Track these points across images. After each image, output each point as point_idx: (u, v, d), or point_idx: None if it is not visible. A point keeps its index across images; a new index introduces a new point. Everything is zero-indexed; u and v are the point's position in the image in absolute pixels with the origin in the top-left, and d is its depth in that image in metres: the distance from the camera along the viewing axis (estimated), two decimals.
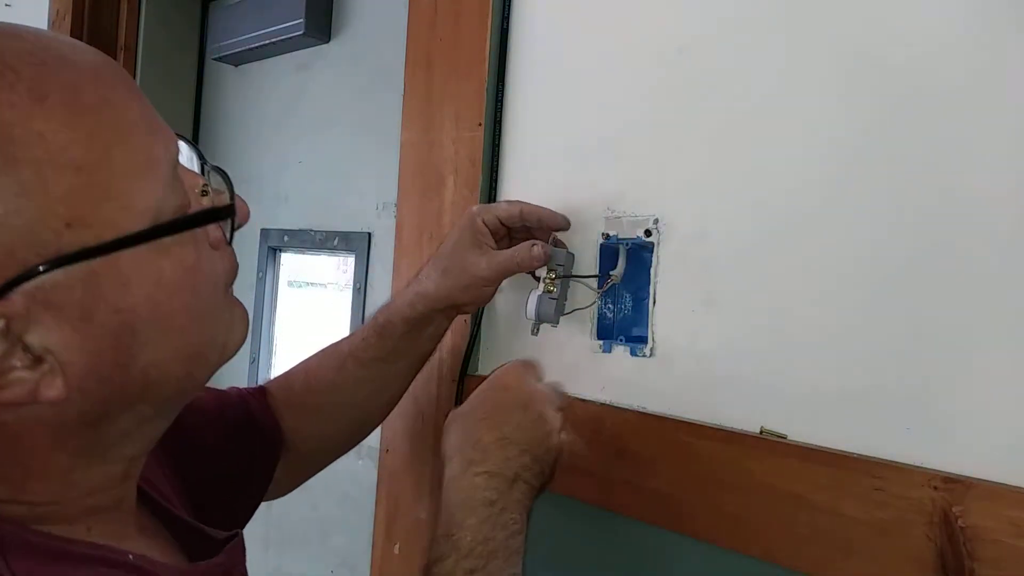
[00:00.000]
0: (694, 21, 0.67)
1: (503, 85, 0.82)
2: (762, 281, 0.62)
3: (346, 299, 1.17)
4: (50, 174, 0.37)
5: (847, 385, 0.57)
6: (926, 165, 0.54)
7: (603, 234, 0.72)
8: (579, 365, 0.74)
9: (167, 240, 0.42)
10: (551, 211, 0.71)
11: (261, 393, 0.72)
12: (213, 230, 0.46)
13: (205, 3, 1.44)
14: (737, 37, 0.64)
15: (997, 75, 0.51)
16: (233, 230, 0.47)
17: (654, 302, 0.69)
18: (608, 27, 0.74)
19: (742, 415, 0.62)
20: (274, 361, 1.32)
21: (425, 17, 0.89)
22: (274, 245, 1.31)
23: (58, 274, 0.37)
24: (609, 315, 0.73)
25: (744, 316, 0.63)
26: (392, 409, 0.77)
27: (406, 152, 0.91)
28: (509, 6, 0.82)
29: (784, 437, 0.60)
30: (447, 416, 0.60)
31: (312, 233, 1.23)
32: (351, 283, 1.16)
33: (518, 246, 0.68)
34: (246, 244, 1.32)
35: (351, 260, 1.17)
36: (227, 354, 0.49)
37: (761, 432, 0.61)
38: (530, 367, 0.63)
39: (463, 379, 0.83)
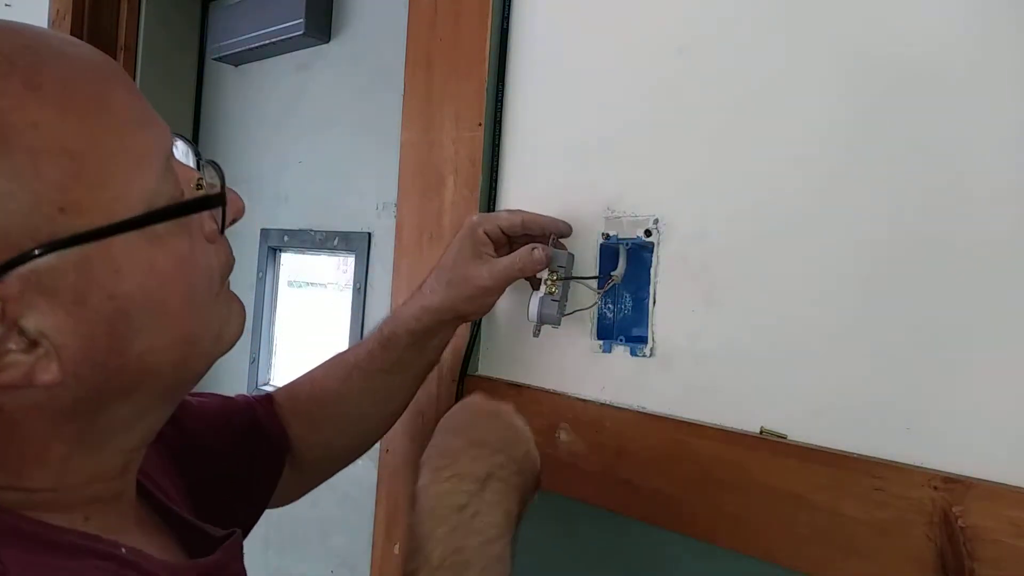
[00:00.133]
0: (694, 21, 0.67)
1: (503, 85, 0.82)
2: (762, 281, 0.62)
3: (346, 299, 1.17)
4: (43, 160, 0.38)
5: (847, 385, 0.57)
6: (926, 165, 0.54)
7: (603, 234, 0.72)
8: (579, 365, 0.74)
9: (160, 230, 0.42)
10: (552, 218, 0.72)
11: (268, 401, 0.73)
12: (208, 223, 0.47)
13: (205, 3, 1.44)
14: (737, 37, 0.64)
15: (997, 75, 0.52)
16: (224, 219, 0.47)
17: (654, 302, 0.69)
18: (608, 27, 0.74)
19: (742, 415, 0.62)
20: (274, 361, 1.32)
21: (425, 17, 0.89)
22: (274, 245, 1.31)
23: (52, 258, 0.38)
24: (609, 315, 0.73)
25: (744, 316, 0.63)
26: (397, 419, 0.77)
27: (406, 152, 0.91)
28: (509, 6, 0.82)
29: (784, 437, 0.60)
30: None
31: (312, 233, 1.23)
32: (351, 283, 1.16)
33: (518, 251, 0.68)
34: (246, 244, 1.32)
35: (351, 260, 1.17)
36: (222, 345, 0.49)
37: (761, 432, 0.61)
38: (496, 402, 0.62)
39: (463, 379, 0.83)
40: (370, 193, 1.14)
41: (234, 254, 0.52)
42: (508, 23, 0.82)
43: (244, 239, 1.32)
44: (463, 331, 0.83)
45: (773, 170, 0.62)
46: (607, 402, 0.71)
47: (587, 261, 0.73)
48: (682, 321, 0.67)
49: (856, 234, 0.57)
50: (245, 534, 0.67)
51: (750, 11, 0.64)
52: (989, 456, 0.50)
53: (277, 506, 0.72)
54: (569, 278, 0.71)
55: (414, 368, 0.73)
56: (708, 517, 0.63)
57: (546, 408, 0.75)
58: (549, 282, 0.69)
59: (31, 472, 0.43)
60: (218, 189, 0.47)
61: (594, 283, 0.72)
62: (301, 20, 1.18)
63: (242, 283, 1.32)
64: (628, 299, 0.72)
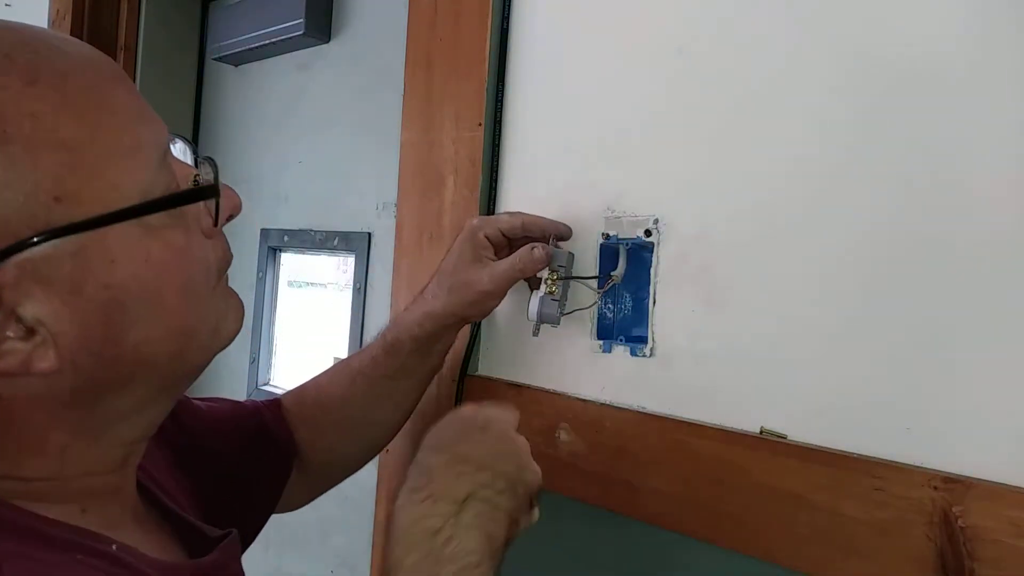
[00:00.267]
0: (694, 21, 0.67)
1: (503, 85, 0.82)
2: (762, 281, 0.62)
3: (346, 299, 1.17)
4: (40, 151, 0.39)
5: (847, 385, 0.57)
6: (927, 165, 0.54)
7: (603, 234, 0.72)
8: (579, 365, 0.74)
9: (156, 222, 0.43)
10: (552, 221, 0.72)
11: (276, 405, 0.73)
12: (205, 219, 0.47)
13: (205, 3, 1.44)
14: (737, 37, 0.64)
15: (997, 75, 0.51)
16: (218, 211, 0.48)
17: (654, 302, 0.69)
18: (608, 27, 0.74)
19: (742, 415, 0.62)
20: (274, 361, 1.32)
21: (425, 17, 0.89)
22: (274, 245, 1.31)
23: (48, 247, 0.39)
24: (609, 315, 0.73)
25: (744, 316, 0.63)
26: (403, 425, 0.77)
27: (406, 152, 0.91)
28: (509, 6, 0.82)
29: (784, 437, 0.60)
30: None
31: (312, 233, 1.23)
32: (351, 283, 1.16)
33: (518, 252, 0.68)
34: (246, 244, 1.33)
35: (351, 260, 1.17)
36: (220, 339, 0.50)
37: (761, 432, 0.61)
38: (497, 409, 0.57)
39: (463, 379, 0.83)
40: (370, 193, 1.14)
41: (235, 254, 0.52)
42: (508, 23, 0.82)
43: (244, 239, 1.32)
44: (463, 331, 0.83)
45: (773, 170, 0.62)
46: (607, 402, 0.71)
47: (587, 261, 0.73)
48: (682, 321, 0.67)
49: (856, 234, 0.57)
50: (253, 538, 0.67)
51: (750, 11, 0.64)
52: (989, 456, 0.50)
53: (285, 511, 0.73)
54: (569, 277, 0.71)
55: (418, 373, 0.73)
56: (708, 517, 0.63)
57: (546, 408, 0.75)
58: (549, 281, 0.69)
59: (29, 461, 0.43)
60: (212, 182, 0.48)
61: (594, 283, 0.72)
62: (301, 20, 1.18)
63: (242, 283, 1.32)
64: (628, 299, 0.72)
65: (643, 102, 0.70)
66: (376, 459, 0.93)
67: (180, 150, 0.48)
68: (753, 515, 0.60)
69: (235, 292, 0.52)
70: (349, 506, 1.12)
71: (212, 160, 0.48)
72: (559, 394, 0.75)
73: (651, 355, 0.69)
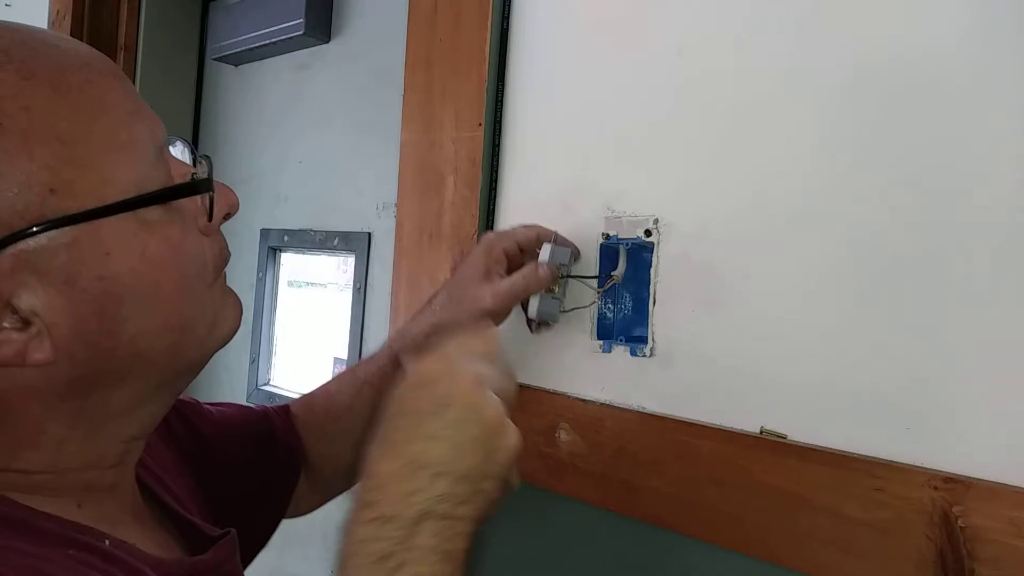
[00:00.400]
0: (694, 21, 0.67)
1: (503, 85, 0.82)
2: (762, 281, 0.62)
3: (346, 299, 1.17)
4: (35, 143, 0.39)
5: (847, 385, 0.57)
6: (927, 165, 0.54)
7: (603, 234, 0.72)
8: (579, 365, 0.74)
9: (152, 216, 0.43)
10: (563, 236, 0.72)
11: (285, 412, 0.73)
12: (202, 217, 0.47)
13: (205, 3, 1.44)
14: (737, 37, 0.64)
15: (997, 75, 0.51)
16: (212, 206, 0.48)
17: (654, 302, 0.69)
18: (608, 27, 0.74)
19: (742, 415, 0.62)
20: (274, 361, 1.32)
21: (425, 17, 0.89)
22: (274, 245, 1.31)
23: (43, 238, 0.39)
24: (609, 315, 0.73)
25: (744, 316, 0.63)
26: None
27: (406, 152, 0.91)
28: (509, 6, 0.82)
29: (784, 437, 0.60)
30: None
31: (312, 233, 1.23)
32: (351, 283, 1.16)
33: (521, 271, 0.68)
34: (246, 244, 1.32)
35: (351, 260, 1.17)
36: (217, 336, 0.50)
37: (761, 432, 0.61)
38: (469, 344, 0.49)
39: None
40: (370, 193, 1.14)
41: (234, 254, 0.52)
42: (508, 23, 0.82)
43: (244, 239, 1.32)
44: None
45: (773, 170, 0.62)
46: (607, 402, 0.71)
47: (587, 261, 0.73)
48: (682, 321, 0.67)
49: (856, 234, 0.57)
50: (265, 543, 0.67)
51: (750, 12, 0.64)
52: (989, 456, 0.50)
53: (294, 516, 0.73)
54: (570, 276, 0.71)
55: None
56: (708, 517, 0.63)
57: (546, 408, 0.75)
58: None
59: (26, 454, 0.43)
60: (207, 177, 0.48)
61: (594, 283, 0.72)
62: (301, 20, 1.18)
63: (242, 283, 1.32)
64: (628, 299, 0.72)
65: (643, 102, 0.70)
66: None
67: (180, 151, 0.49)
68: (753, 515, 0.60)
69: (233, 291, 0.52)
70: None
71: (208, 158, 0.49)
72: (559, 394, 0.75)
73: (651, 355, 0.69)
